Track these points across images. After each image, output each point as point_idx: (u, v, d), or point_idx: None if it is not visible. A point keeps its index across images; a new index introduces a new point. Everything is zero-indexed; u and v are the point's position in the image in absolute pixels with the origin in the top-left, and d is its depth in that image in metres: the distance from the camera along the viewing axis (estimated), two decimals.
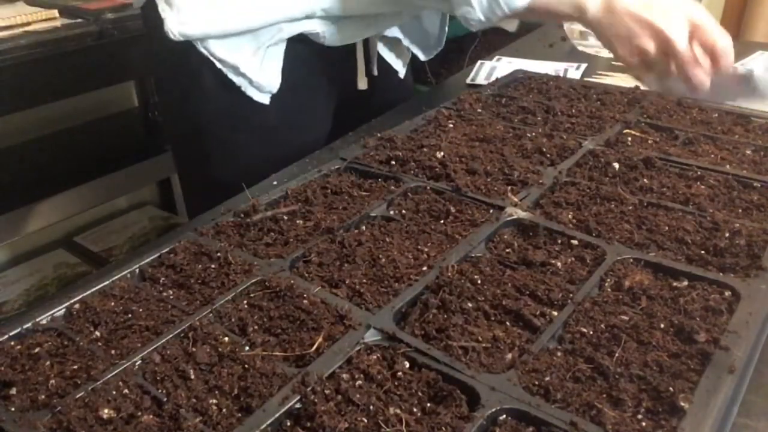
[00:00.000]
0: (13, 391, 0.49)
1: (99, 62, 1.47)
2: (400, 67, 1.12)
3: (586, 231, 0.65)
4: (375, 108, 1.07)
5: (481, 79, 1.17)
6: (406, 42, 1.07)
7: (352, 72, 1.03)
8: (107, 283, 0.61)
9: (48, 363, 0.52)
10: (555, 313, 0.55)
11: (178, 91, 0.96)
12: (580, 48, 1.30)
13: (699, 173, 0.75)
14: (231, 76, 0.90)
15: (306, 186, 0.76)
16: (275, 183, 0.81)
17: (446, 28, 1.10)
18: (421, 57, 1.12)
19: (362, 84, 1.03)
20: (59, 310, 0.58)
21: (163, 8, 0.85)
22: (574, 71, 1.18)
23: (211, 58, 0.88)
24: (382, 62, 1.08)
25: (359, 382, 0.49)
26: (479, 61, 1.25)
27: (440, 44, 1.12)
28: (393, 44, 1.08)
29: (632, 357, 0.50)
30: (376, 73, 1.06)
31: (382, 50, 1.08)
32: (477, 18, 0.83)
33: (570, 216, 0.68)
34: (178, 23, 0.85)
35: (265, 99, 0.93)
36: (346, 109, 1.07)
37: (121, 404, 0.47)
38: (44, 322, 0.57)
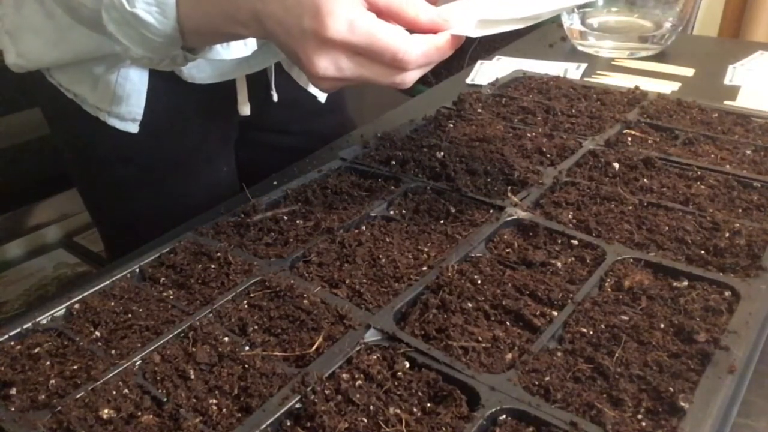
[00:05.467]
0: (13, 391, 0.49)
1: None
2: (319, 92, 0.98)
3: (586, 231, 0.65)
4: (297, 142, 0.95)
5: (481, 79, 1.17)
6: None
7: (235, 98, 0.90)
8: (107, 283, 0.61)
9: (48, 363, 0.52)
10: (555, 313, 0.55)
11: (55, 123, 0.92)
12: (580, 48, 1.30)
13: (699, 173, 0.75)
14: (84, 106, 0.84)
15: (306, 186, 0.76)
16: (275, 183, 0.81)
17: None
18: None
19: (244, 110, 0.91)
20: (59, 310, 0.58)
21: (3, 41, 0.82)
22: (574, 71, 1.18)
23: (61, 89, 0.84)
24: (292, 86, 0.95)
25: (359, 382, 0.49)
26: (479, 61, 1.25)
27: None
28: None
29: (632, 357, 0.50)
30: (276, 98, 0.94)
31: (294, 70, 0.94)
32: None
33: (570, 216, 0.68)
34: (15, 55, 0.82)
35: (131, 128, 0.85)
36: (254, 144, 0.99)
37: (121, 404, 0.47)
38: (44, 322, 0.57)
